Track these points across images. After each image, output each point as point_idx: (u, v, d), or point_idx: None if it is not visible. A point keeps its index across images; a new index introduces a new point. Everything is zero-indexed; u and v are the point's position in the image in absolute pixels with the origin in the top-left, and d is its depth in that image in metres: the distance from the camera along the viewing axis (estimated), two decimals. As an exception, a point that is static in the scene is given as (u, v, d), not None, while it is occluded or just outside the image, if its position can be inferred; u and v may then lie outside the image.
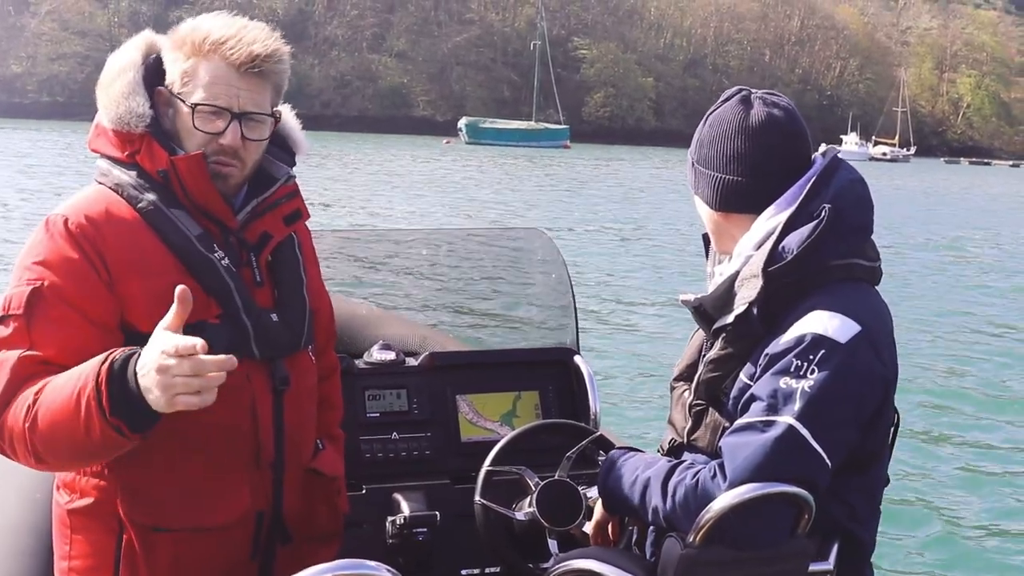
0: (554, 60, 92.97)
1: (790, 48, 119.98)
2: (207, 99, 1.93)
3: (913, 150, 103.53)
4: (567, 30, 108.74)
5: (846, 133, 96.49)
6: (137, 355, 1.74)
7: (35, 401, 1.80)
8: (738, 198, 2.05)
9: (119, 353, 1.76)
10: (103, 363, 1.75)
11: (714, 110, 2.10)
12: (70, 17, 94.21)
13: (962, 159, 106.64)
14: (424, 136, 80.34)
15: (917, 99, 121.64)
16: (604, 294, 13.49)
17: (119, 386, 1.73)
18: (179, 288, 1.74)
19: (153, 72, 2.01)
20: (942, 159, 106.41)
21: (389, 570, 1.77)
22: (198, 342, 1.68)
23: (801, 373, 1.87)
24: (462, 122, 77.44)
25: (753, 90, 2.10)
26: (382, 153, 50.44)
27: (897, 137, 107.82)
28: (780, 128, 2.04)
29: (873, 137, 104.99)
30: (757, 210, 2.03)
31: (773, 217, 2.01)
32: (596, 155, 63.54)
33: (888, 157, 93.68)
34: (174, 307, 1.73)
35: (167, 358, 1.67)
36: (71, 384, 1.77)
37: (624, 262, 17.05)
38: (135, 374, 1.72)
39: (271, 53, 1.96)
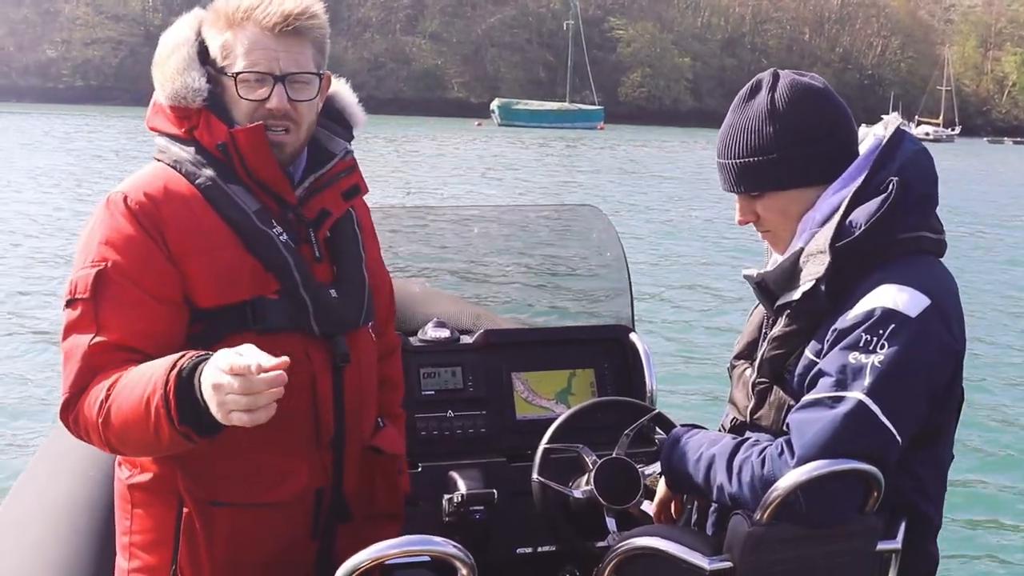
0: (590, 40, 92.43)
1: (830, 27, 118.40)
2: (247, 66, 1.93)
3: (958, 130, 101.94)
4: (603, 10, 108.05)
5: (888, 113, 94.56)
6: (205, 362, 1.72)
7: (107, 397, 1.82)
8: (814, 167, 2.02)
9: (187, 361, 1.75)
10: (171, 370, 1.75)
11: (743, 108, 2.05)
12: (104, 1, 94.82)
13: (1006, 139, 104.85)
14: (458, 118, 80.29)
15: (961, 78, 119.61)
16: (653, 273, 13.44)
17: (186, 395, 1.72)
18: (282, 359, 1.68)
19: (206, 49, 2.01)
20: (985, 139, 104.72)
21: (455, 546, 1.78)
22: (253, 363, 1.64)
23: (871, 348, 1.84)
24: (495, 103, 77.23)
25: (761, 77, 2.08)
26: (416, 134, 50.50)
27: (941, 117, 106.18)
28: (821, 90, 2.04)
29: (916, 117, 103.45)
30: (831, 176, 2.01)
31: (838, 192, 1.99)
32: (630, 136, 63.15)
33: (931, 137, 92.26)
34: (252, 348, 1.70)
35: (221, 375, 1.66)
36: (140, 387, 1.78)
37: (665, 241, 16.98)
38: (199, 383, 1.71)
39: (303, 10, 1.95)
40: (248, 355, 1.67)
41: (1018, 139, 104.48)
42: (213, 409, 1.69)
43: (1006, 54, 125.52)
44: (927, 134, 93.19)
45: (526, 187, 25.42)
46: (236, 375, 1.65)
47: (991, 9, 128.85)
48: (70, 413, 1.88)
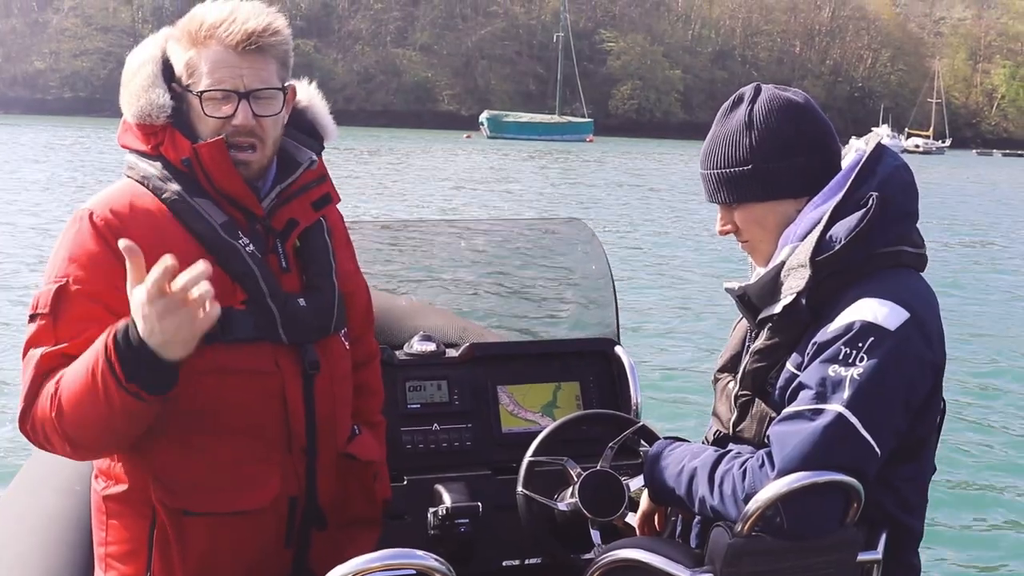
0: (580, 53, 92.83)
1: (820, 39, 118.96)
2: (212, 84, 1.95)
3: (948, 142, 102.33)
4: (594, 22, 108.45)
5: (878, 125, 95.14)
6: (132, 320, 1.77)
7: (56, 389, 1.85)
8: (790, 181, 2.04)
9: (120, 323, 1.79)
10: (107, 336, 1.79)
11: (724, 120, 2.09)
12: (93, 13, 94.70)
13: (995, 151, 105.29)
14: (449, 131, 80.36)
15: (950, 90, 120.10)
16: (638, 286, 13.46)
17: (126, 350, 1.75)
18: (123, 243, 1.74)
19: (171, 67, 2.03)
20: (974, 151, 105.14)
21: (437, 559, 1.78)
22: (156, 271, 1.70)
23: (850, 361, 1.86)
24: (484, 116, 77.28)
25: (744, 90, 2.12)
26: (404, 147, 50.56)
27: (931, 129, 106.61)
28: (801, 104, 2.06)
29: (906, 129, 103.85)
30: (809, 190, 2.04)
31: (819, 207, 2.01)
32: (619, 148, 63.25)
33: (921, 149, 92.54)
34: (128, 264, 1.75)
35: (142, 306, 1.71)
36: (84, 364, 1.82)
37: (651, 254, 17.02)
38: (139, 337, 1.74)
39: (266, 27, 1.97)
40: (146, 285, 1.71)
41: (1007, 151, 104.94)
42: (155, 342, 1.73)
43: (995, 67, 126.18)
44: (917, 146, 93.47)
45: (514, 200, 25.44)
46: (159, 296, 1.70)
47: (981, 22, 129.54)
48: (27, 422, 1.92)
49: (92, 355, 1.80)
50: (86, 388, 1.80)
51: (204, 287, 1.72)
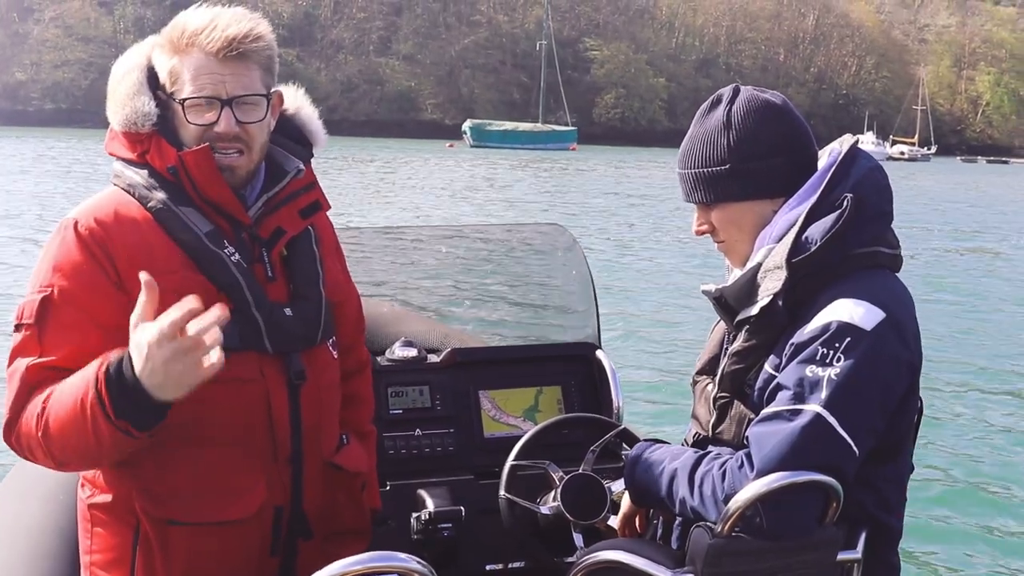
0: (564, 61, 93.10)
1: (804, 47, 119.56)
2: (194, 92, 1.95)
3: (934, 149, 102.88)
4: (577, 31, 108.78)
5: (863, 132, 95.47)
6: (128, 355, 1.74)
7: (43, 409, 1.84)
8: (767, 181, 2.05)
9: (113, 355, 1.77)
10: (99, 367, 1.77)
11: (702, 121, 2.11)
12: (74, 23, 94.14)
13: (979, 158, 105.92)
14: (433, 140, 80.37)
15: (935, 97, 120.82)
16: (619, 291, 13.49)
17: (118, 388, 1.74)
18: (144, 277, 1.72)
19: (157, 74, 2.03)
20: (959, 158, 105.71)
21: (419, 562, 1.78)
22: (180, 311, 1.66)
23: (827, 361, 1.87)
24: (467, 124, 77.30)
25: (722, 92, 2.13)
26: (385, 156, 50.51)
27: (917, 136, 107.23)
28: (778, 106, 2.08)
29: (891, 136, 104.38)
30: (786, 191, 2.05)
31: (794, 208, 2.02)
32: (603, 157, 63.40)
33: (906, 156, 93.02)
34: (142, 297, 1.72)
35: (158, 348, 1.67)
36: (74, 392, 1.81)
37: (632, 259, 17.07)
38: (133, 374, 1.72)
39: (247, 33, 1.96)
40: (163, 321, 1.68)
41: (991, 158, 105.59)
42: (152, 382, 1.70)
43: (980, 74, 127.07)
44: (902, 153, 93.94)
45: (496, 209, 25.43)
46: (166, 341, 1.66)
47: (965, 29, 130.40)
48: (12, 433, 1.91)
49: (82, 383, 1.79)
50: (74, 416, 1.79)
51: (216, 333, 1.69)
